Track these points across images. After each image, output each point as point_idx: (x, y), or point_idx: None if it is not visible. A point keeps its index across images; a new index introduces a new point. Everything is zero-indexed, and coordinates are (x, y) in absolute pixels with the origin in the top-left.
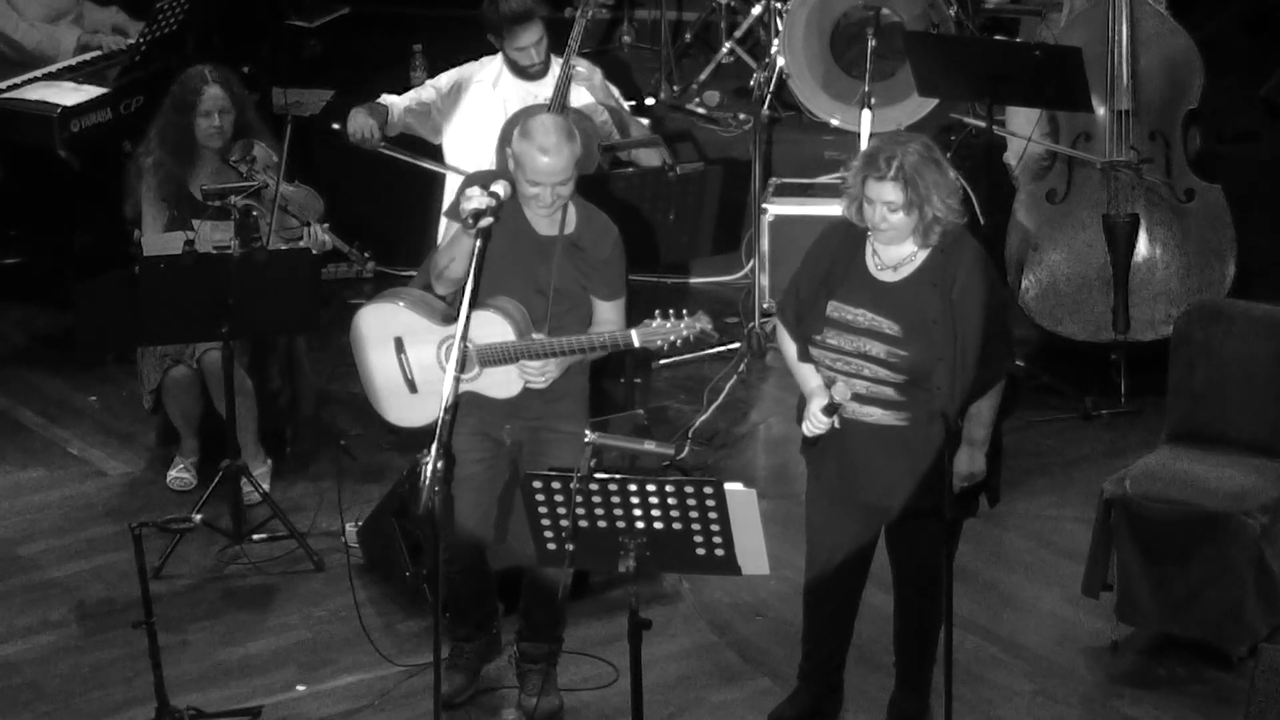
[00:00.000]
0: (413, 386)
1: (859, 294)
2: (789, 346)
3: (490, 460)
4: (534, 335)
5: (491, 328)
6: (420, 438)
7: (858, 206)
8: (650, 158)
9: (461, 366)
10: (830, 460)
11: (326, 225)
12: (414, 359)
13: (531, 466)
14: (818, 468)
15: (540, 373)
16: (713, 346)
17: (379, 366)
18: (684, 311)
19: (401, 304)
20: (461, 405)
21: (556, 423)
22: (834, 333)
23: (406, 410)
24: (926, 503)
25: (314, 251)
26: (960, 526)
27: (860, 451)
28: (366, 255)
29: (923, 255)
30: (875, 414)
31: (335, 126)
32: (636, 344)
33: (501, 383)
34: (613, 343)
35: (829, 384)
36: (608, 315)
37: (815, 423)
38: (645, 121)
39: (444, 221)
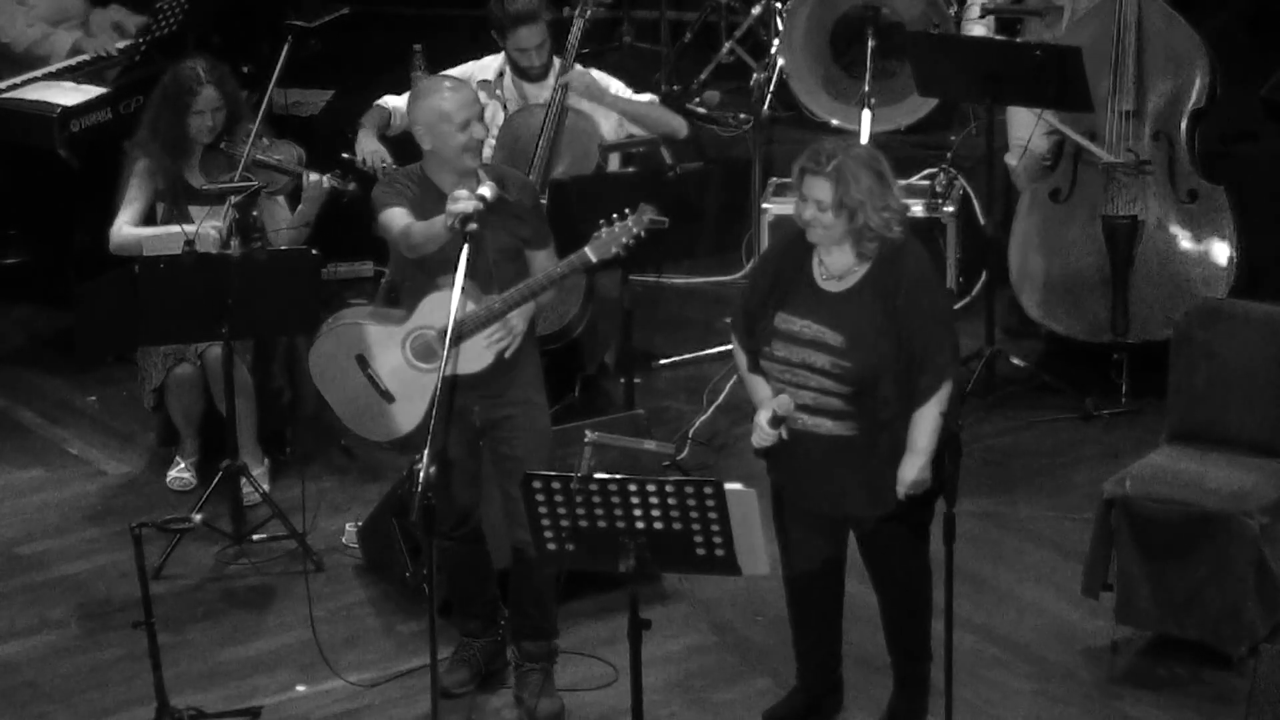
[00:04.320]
0: (388, 396)
1: (805, 305)
2: (740, 358)
3: (470, 444)
4: (490, 297)
5: (449, 306)
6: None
7: (796, 203)
8: (662, 116)
9: (455, 349)
10: (784, 471)
11: (317, 175)
12: (381, 368)
13: (506, 440)
14: (775, 478)
15: (509, 333)
16: (664, 227)
17: (348, 392)
18: (626, 210)
19: (349, 324)
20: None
21: (521, 392)
22: (781, 344)
23: (388, 422)
24: (882, 511)
25: (315, 194)
26: (927, 527)
27: (811, 463)
28: (349, 177)
29: (867, 264)
30: (825, 425)
31: (345, 156)
32: (594, 259)
33: (472, 357)
34: (570, 267)
35: (778, 395)
36: (544, 262)
37: (762, 435)
38: (651, 96)
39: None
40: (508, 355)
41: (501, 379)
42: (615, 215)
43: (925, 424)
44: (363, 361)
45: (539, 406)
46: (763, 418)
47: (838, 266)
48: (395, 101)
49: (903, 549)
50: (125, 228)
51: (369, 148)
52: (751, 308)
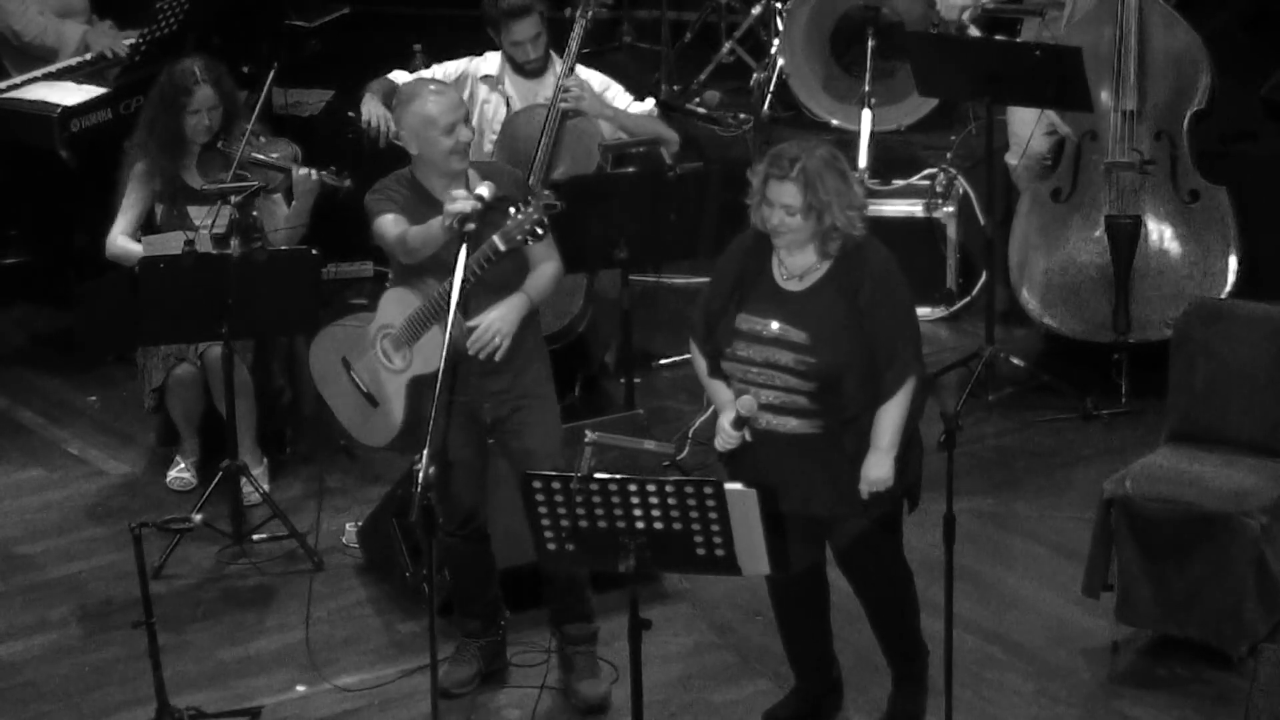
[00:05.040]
0: (370, 400)
1: (767, 304)
2: (700, 362)
3: (478, 444)
4: (431, 290)
5: (404, 304)
6: (407, 439)
7: (760, 209)
8: (655, 129)
9: (397, 355)
10: (748, 472)
11: (306, 169)
12: (361, 372)
13: (516, 434)
14: (739, 480)
15: (485, 334)
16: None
17: (341, 396)
18: (529, 198)
19: (333, 326)
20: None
21: (530, 388)
22: (743, 344)
23: (376, 427)
24: (848, 510)
25: (306, 189)
26: (898, 525)
27: (777, 462)
28: (344, 176)
29: (828, 263)
30: (790, 424)
31: (350, 115)
32: (502, 248)
33: (430, 354)
34: (485, 257)
35: (740, 397)
36: (541, 254)
37: (725, 437)
38: (650, 104)
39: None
40: (498, 358)
41: (508, 379)
42: (519, 203)
43: (889, 421)
44: (346, 364)
45: (549, 400)
46: (726, 420)
47: (799, 266)
48: (406, 78)
49: (877, 551)
50: (119, 239)
51: (376, 111)
52: (712, 310)
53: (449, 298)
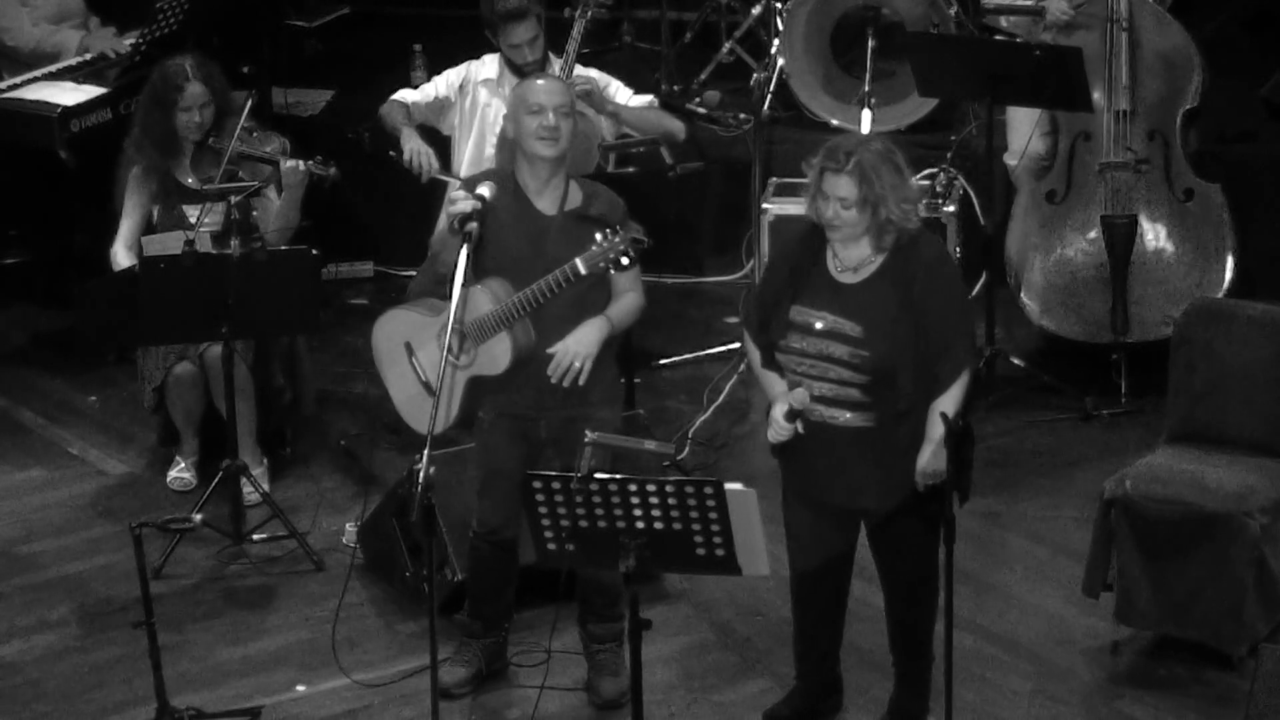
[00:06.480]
0: (428, 389)
1: (821, 297)
2: (754, 353)
3: (523, 458)
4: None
5: (473, 302)
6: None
7: (815, 202)
8: (659, 121)
9: (461, 350)
10: (799, 464)
11: (295, 160)
12: (423, 360)
13: (570, 456)
14: (789, 471)
15: (566, 358)
16: (645, 246)
17: (399, 378)
18: (617, 228)
19: (403, 309)
20: (496, 405)
21: (590, 411)
22: (797, 336)
23: (428, 417)
24: (898, 504)
25: (294, 181)
26: (939, 523)
27: (828, 454)
28: (330, 164)
29: (882, 256)
30: (843, 416)
31: (392, 154)
32: (584, 271)
33: (490, 359)
34: (564, 277)
35: (794, 389)
36: (625, 285)
37: (778, 429)
38: (650, 97)
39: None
40: (581, 381)
41: (569, 399)
42: (608, 229)
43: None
44: (410, 349)
45: (608, 424)
46: (779, 412)
47: (853, 259)
48: (413, 96)
49: (914, 544)
50: (120, 252)
51: (418, 147)
52: (766, 302)
53: (524, 306)
